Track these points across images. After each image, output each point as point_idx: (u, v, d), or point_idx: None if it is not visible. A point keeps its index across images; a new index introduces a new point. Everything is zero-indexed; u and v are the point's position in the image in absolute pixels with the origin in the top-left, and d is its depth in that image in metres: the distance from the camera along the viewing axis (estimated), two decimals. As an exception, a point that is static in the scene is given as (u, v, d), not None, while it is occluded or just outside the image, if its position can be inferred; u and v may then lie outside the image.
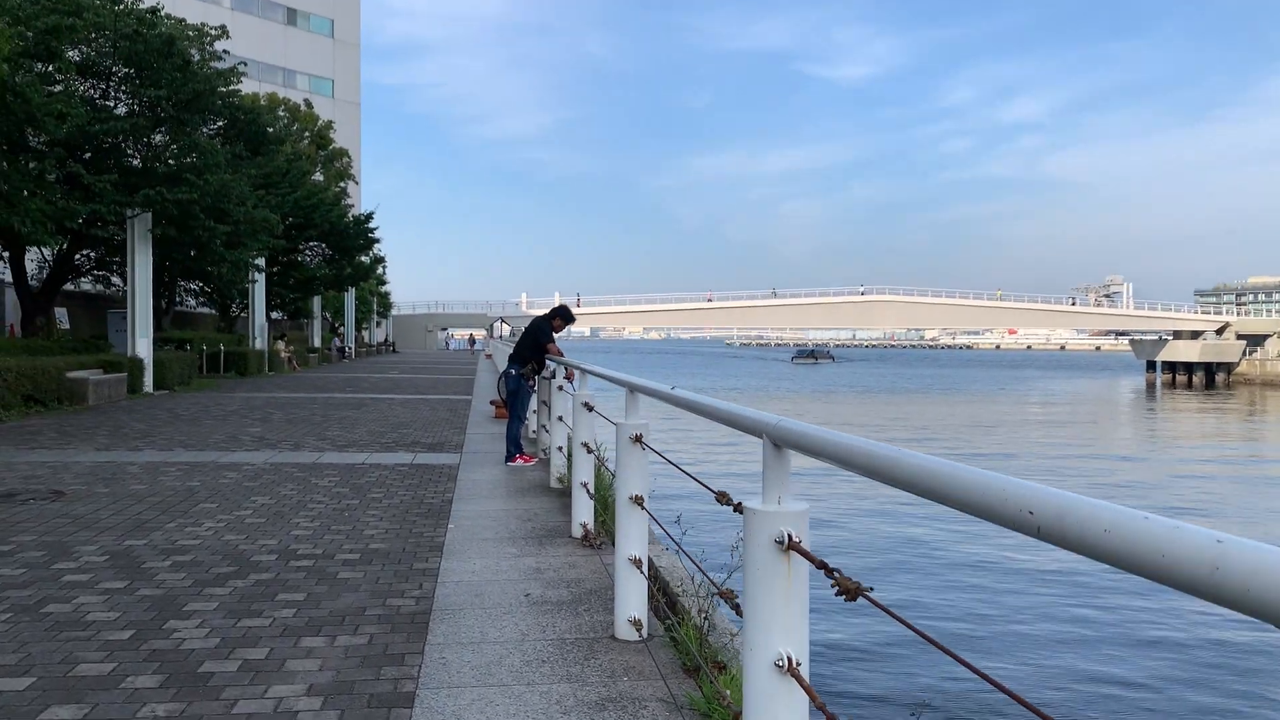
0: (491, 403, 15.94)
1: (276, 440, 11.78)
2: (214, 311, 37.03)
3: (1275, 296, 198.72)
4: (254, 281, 29.19)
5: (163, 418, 14.52)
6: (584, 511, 6.28)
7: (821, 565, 1.84)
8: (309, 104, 45.31)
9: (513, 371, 10.12)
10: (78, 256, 22.02)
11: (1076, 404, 55.55)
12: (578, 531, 6.28)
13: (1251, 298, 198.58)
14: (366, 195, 64.92)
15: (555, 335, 10.05)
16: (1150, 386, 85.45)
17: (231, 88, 21.43)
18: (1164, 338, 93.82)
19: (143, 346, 19.67)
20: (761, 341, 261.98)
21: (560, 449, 8.48)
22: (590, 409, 6.15)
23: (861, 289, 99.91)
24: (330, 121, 46.03)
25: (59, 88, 16.56)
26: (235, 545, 5.94)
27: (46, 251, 22.23)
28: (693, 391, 3.09)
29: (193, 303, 34.01)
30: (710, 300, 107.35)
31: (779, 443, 2.13)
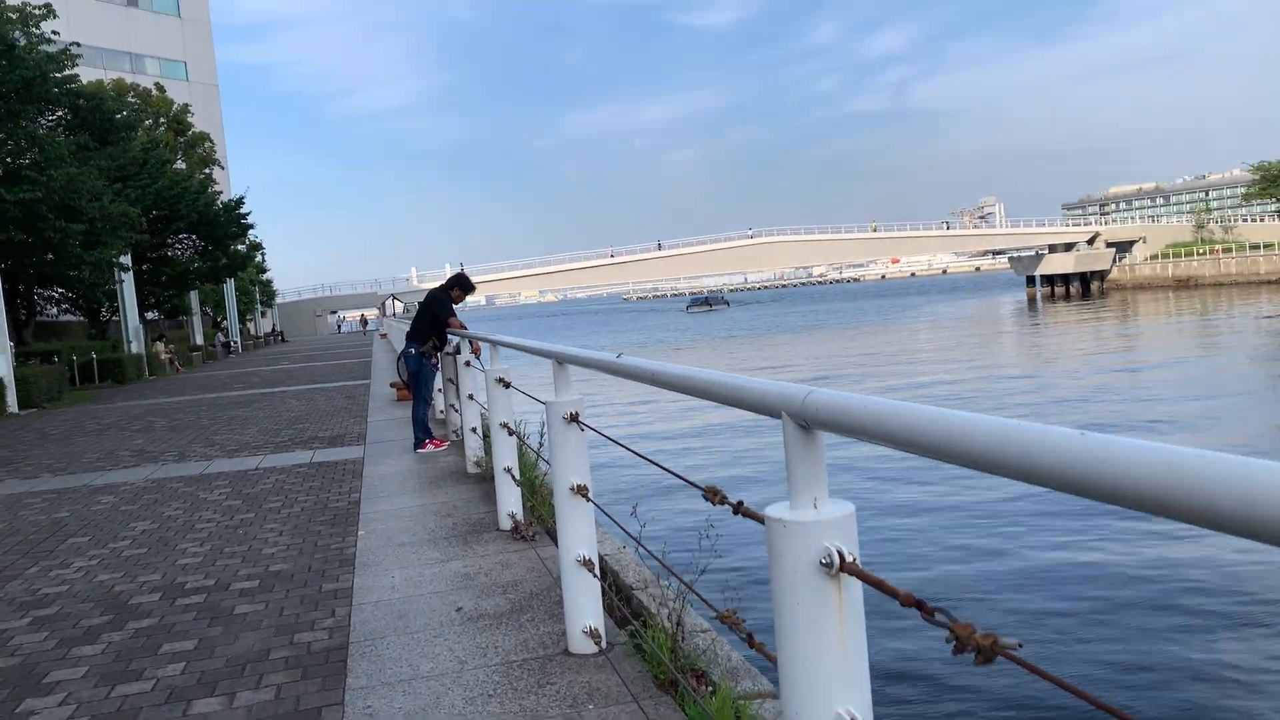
0: (392, 385, 15.08)
1: (159, 452, 10.75)
2: (82, 318, 34.71)
3: (1135, 204, 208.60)
4: (120, 282, 27.28)
5: (29, 439, 13.22)
6: (510, 500, 5.65)
7: (914, 603, 1.24)
8: (161, 88, 42.52)
9: (412, 351, 9.34)
10: (-85, 273, 20.06)
11: (965, 325, 57.04)
12: (506, 524, 5.65)
13: (1114, 206, 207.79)
14: (236, 181, 61.75)
15: (455, 306, 9.31)
16: (1031, 300, 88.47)
17: (67, 73, 19.64)
18: (1040, 252, 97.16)
19: (0, 363, 18.04)
20: (657, 294, 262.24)
21: (475, 430, 7.80)
22: (506, 385, 5.50)
23: (750, 231, 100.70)
24: (186, 105, 43.30)
25: None
26: (110, 587, 5.13)
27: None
28: (650, 359, 2.44)
29: (54, 311, 31.72)
30: (612, 255, 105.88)
31: (808, 424, 1.52)
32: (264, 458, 9.67)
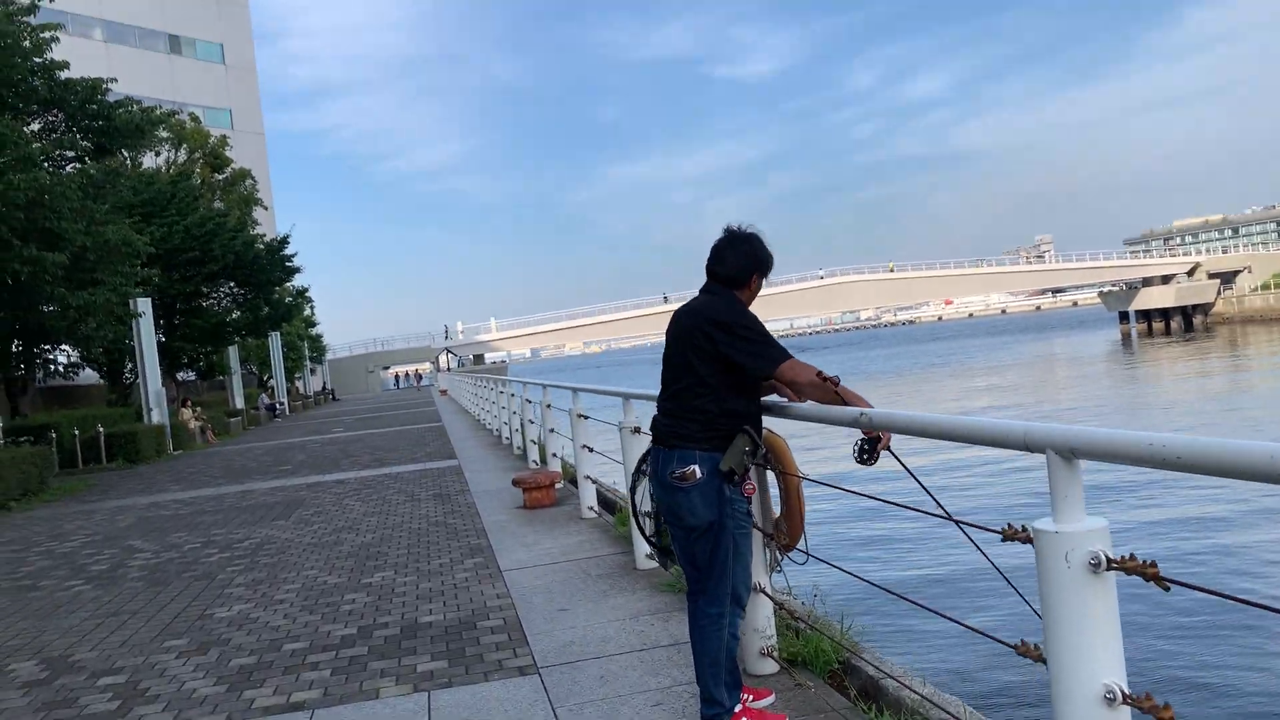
0: (516, 482, 9.35)
1: (85, 678, 5.11)
2: (103, 381, 29.75)
3: (1202, 236, 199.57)
4: (130, 340, 22.09)
5: (-87, 598, 7.71)
6: None
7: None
8: (195, 119, 38.01)
9: (696, 472, 3.39)
10: None
11: (1071, 363, 51.22)
12: None
13: (1180, 240, 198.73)
14: (282, 227, 57.03)
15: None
16: (1126, 338, 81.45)
17: (49, 58, 14.53)
18: (1135, 286, 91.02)
19: (-57, 451, 12.71)
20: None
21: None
22: None
23: (821, 273, 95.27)
24: (224, 137, 38.65)
25: None
26: None
27: None
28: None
29: (62, 371, 26.66)
30: (666, 300, 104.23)
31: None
32: (310, 724, 3.96)
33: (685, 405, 3.45)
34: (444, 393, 48.25)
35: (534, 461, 12.32)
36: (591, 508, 8.15)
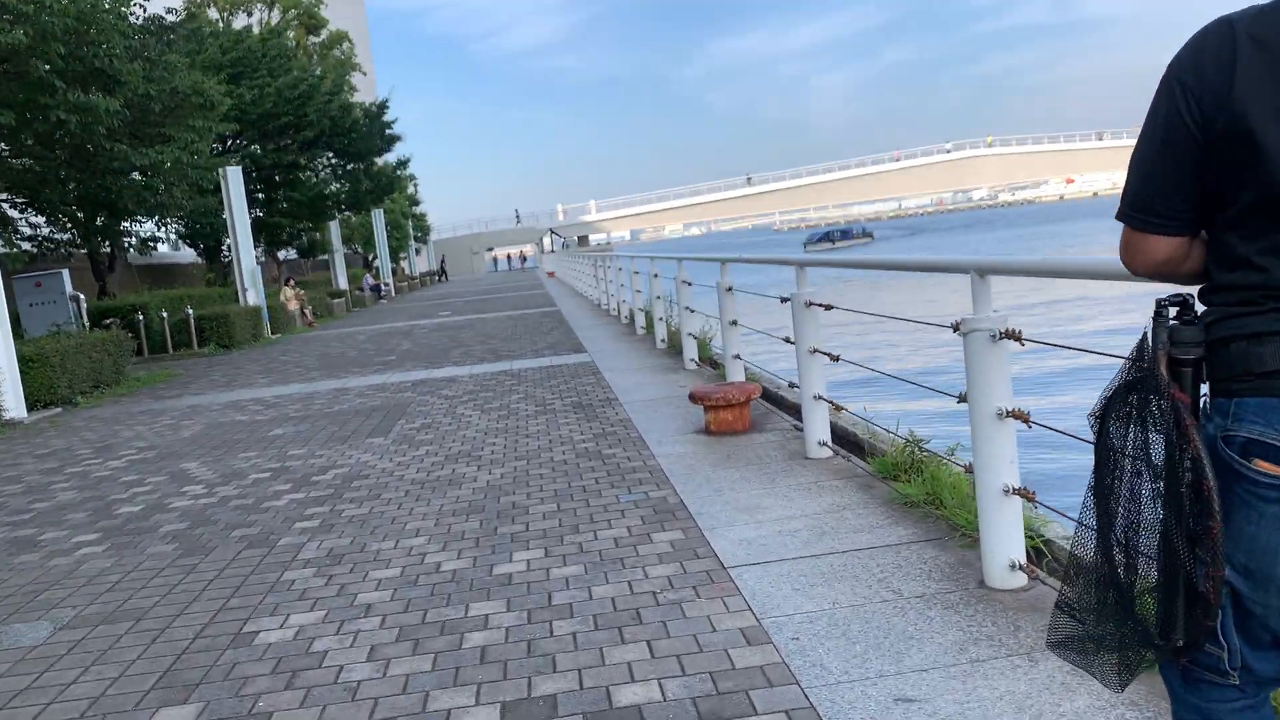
0: (696, 398, 6.64)
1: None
2: (202, 259, 28.20)
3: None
4: (218, 213, 20.02)
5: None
6: None
7: None
8: (288, -24, 35.34)
9: None
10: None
11: None
12: None
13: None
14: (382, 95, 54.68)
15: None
16: None
17: None
18: None
19: (-10, 338, 10.73)
20: (808, 224, 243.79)
21: None
22: None
23: (949, 146, 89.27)
24: (320, -3, 36.01)
25: None
26: None
27: None
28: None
29: (150, 248, 25.00)
30: (749, 181, 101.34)
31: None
32: None
33: None
34: (551, 274, 46.04)
35: (692, 361, 9.65)
36: (823, 443, 5.43)
